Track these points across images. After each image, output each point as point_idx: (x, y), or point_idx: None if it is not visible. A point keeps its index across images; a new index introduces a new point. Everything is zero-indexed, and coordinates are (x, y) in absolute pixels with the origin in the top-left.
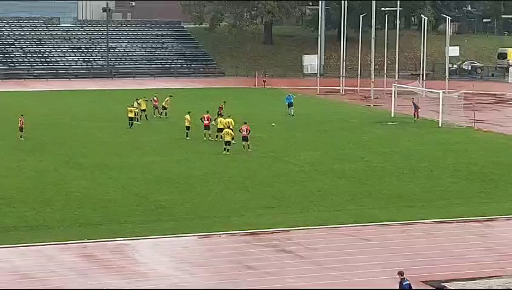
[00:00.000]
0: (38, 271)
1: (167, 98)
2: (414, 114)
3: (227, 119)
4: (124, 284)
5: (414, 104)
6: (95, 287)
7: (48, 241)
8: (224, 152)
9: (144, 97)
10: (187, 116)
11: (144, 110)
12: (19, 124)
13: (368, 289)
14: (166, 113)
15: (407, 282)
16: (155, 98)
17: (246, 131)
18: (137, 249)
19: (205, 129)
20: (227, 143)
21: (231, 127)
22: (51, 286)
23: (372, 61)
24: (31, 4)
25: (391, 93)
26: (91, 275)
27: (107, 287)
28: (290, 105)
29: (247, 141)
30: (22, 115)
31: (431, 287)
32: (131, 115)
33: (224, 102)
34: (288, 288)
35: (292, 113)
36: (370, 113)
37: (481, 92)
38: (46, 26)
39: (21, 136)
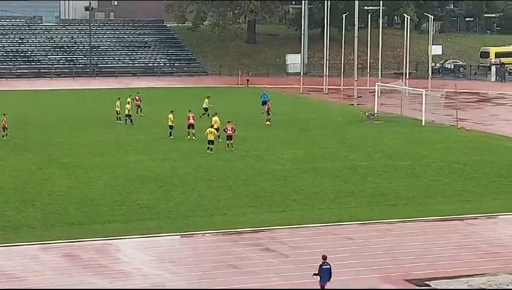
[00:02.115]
0: (21, 271)
1: (206, 98)
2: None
3: (214, 118)
4: (107, 284)
5: (369, 115)
6: (78, 287)
7: (30, 241)
8: (207, 151)
9: (130, 95)
10: (170, 115)
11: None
12: (2, 124)
13: (351, 289)
14: (208, 114)
15: (327, 266)
16: (137, 98)
17: (231, 130)
18: (121, 249)
19: (189, 128)
20: (211, 142)
21: (216, 127)
22: (33, 286)
23: (355, 60)
24: (12, 3)
25: (374, 92)
26: (74, 274)
27: (90, 287)
28: (264, 103)
29: (231, 140)
30: (4, 114)
31: (414, 286)
32: (127, 112)
33: (270, 100)
34: (272, 288)
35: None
36: (353, 111)
37: (464, 90)
38: (28, 25)
39: (3, 136)
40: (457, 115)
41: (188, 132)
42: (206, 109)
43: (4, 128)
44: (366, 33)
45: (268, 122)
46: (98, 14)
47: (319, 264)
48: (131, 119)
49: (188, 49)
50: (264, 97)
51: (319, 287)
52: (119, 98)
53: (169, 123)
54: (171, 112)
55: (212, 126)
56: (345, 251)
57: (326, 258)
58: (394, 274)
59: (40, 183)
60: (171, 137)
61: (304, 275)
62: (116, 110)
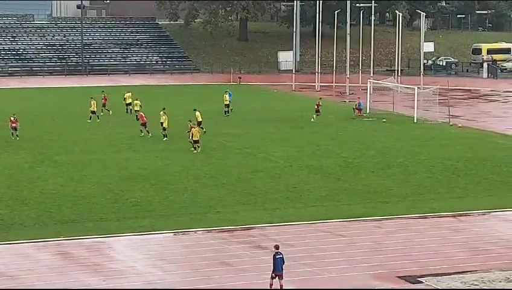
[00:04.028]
0: (14, 269)
1: (225, 94)
2: (356, 111)
3: (197, 113)
4: (100, 282)
5: (358, 104)
6: (72, 285)
7: (23, 240)
8: (194, 151)
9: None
10: (161, 113)
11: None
12: (14, 124)
13: (344, 288)
14: (228, 111)
15: (280, 256)
16: (103, 96)
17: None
18: (113, 247)
19: (143, 126)
20: (196, 142)
21: (200, 120)
22: (26, 285)
23: (347, 57)
24: (4, 1)
25: (366, 89)
26: (67, 273)
27: (83, 285)
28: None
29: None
30: (14, 115)
31: (407, 283)
32: (137, 108)
33: (321, 98)
34: (265, 288)
35: (231, 109)
36: (345, 109)
37: (456, 87)
38: (20, 24)
39: (17, 135)
40: (450, 112)
41: (141, 130)
42: (227, 106)
43: (15, 128)
44: (358, 30)
45: (312, 119)
46: (90, 12)
47: (273, 255)
48: (137, 117)
49: (180, 46)
50: (229, 95)
51: (310, 286)
52: (92, 98)
53: (161, 120)
54: (163, 109)
55: (193, 127)
56: (338, 248)
57: (278, 247)
58: (386, 271)
59: (33, 181)
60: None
61: (296, 272)
62: (91, 110)
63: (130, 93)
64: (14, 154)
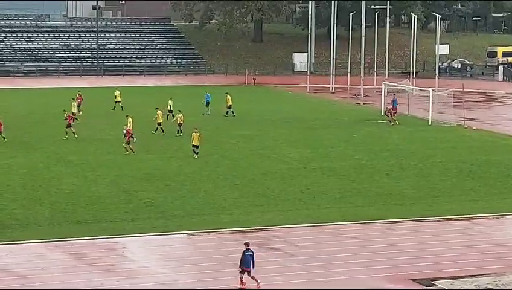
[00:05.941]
0: (27, 269)
1: (227, 96)
2: (388, 114)
3: (179, 115)
4: (114, 282)
5: (393, 101)
6: (85, 285)
7: (37, 239)
8: (194, 156)
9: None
10: (162, 112)
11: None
12: None
13: (356, 289)
14: (233, 111)
15: (250, 253)
16: (78, 96)
17: (129, 134)
18: (127, 247)
19: (67, 128)
20: (196, 147)
21: (181, 122)
22: (40, 284)
23: (362, 59)
24: (20, 2)
25: (381, 91)
26: (80, 273)
27: (96, 286)
28: (207, 104)
29: (129, 144)
30: None
31: (420, 286)
32: (168, 107)
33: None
34: (277, 288)
35: (209, 112)
36: (360, 111)
37: (471, 90)
38: (36, 24)
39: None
40: (465, 115)
41: (66, 132)
42: (229, 107)
43: None
44: (373, 32)
45: (395, 122)
46: (105, 12)
47: (243, 251)
48: (173, 115)
49: (194, 47)
50: (208, 98)
51: (323, 287)
52: (73, 99)
53: (179, 122)
54: (178, 110)
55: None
56: (351, 250)
57: (249, 244)
58: (400, 273)
59: (47, 181)
60: (175, 134)
61: (309, 274)
62: (73, 112)
63: (119, 92)
64: (28, 155)
